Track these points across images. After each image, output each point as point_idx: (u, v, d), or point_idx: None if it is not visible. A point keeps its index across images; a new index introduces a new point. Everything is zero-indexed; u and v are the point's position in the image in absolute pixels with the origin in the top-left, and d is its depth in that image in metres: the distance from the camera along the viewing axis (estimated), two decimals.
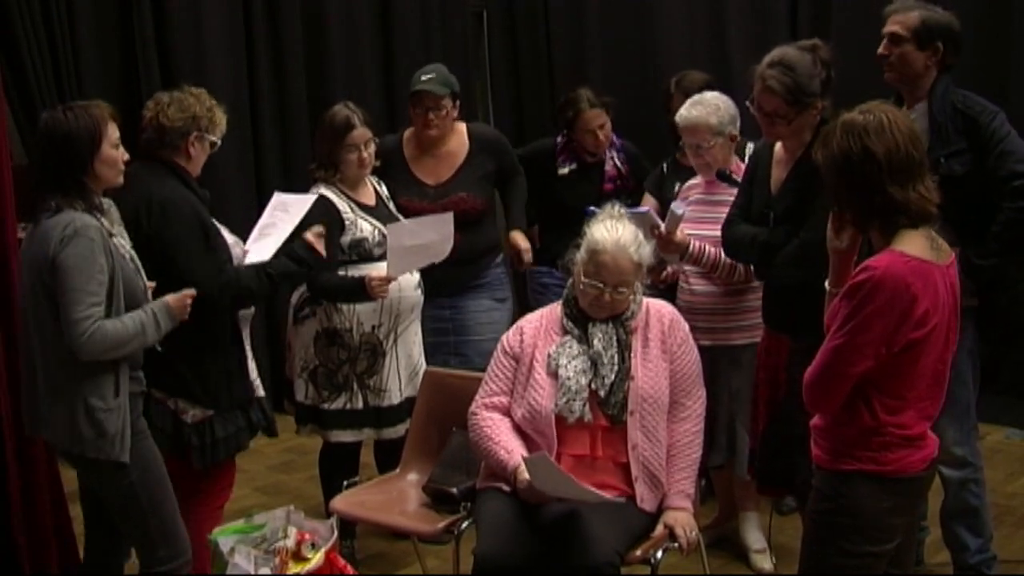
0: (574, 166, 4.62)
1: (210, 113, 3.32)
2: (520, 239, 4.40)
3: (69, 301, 2.79)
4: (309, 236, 3.55)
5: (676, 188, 4.20)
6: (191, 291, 3.05)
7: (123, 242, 2.99)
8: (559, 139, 4.69)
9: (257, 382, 3.47)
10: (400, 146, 4.27)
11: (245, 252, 3.48)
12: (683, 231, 3.68)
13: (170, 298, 2.99)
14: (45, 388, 2.92)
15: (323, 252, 3.57)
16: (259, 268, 3.39)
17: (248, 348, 3.44)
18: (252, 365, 3.45)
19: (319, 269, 3.73)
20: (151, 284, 3.07)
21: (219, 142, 3.37)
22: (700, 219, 3.78)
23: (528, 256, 4.40)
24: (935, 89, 3.32)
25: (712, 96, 3.88)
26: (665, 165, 4.44)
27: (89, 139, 2.88)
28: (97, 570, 3.23)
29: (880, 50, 3.37)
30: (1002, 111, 3.32)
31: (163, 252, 3.16)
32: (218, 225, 3.37)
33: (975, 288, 3.26)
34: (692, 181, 3.98)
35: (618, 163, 4.63)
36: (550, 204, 4.59)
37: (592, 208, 4.14)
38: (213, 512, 3.36)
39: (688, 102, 3.89)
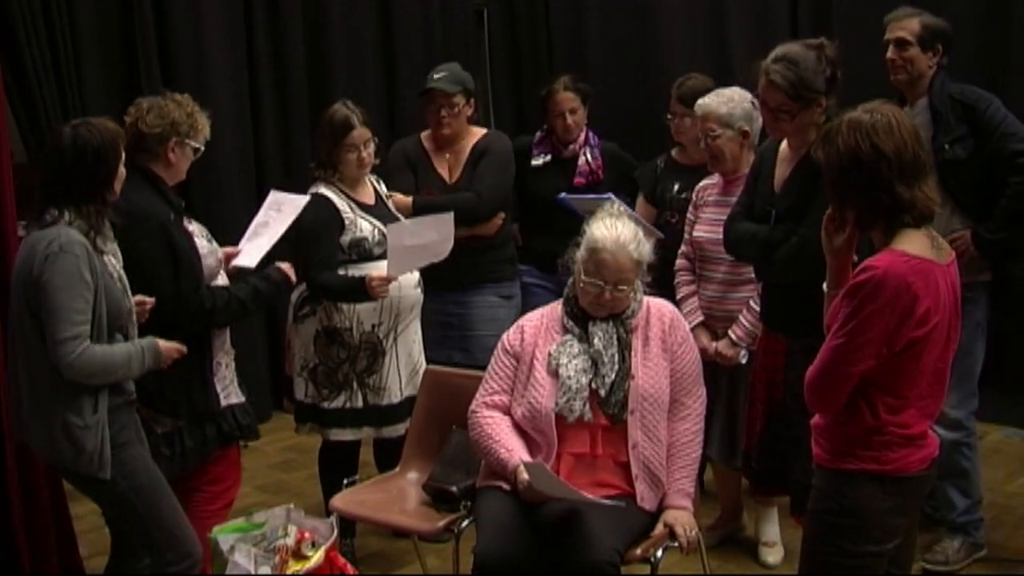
0: (548, 158, 4.63)
1: (191, 119, 3.25)
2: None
3: (56, 320, 2.75)
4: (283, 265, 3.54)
5: (675, 188, 4.19)
6: (182, 346, 3.04)
7: (113, 260, 2.94)
8: (538, 134, 4.71)
9: (232, 388, 3.37)
10: (420, 142, 4.32)
11: (228, 254, 3.45)
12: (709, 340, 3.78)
13: (161, 342, 2.97)
14: (27, 401, 2.90)
15: (293, 278, 3.54)
16: (232, 294, 3.31)
17: (223, 353, 3.36)
18: (228, 371, 3.36)
19: (317, 270, 3.74)
20: (150, 300, 3.06)
21: (202, 148, 3.32)
22: (716, 220, 3.72)
23: None
24: (933, 84, 3.66)
25: (732, 89, 3.88)
26: (660, 162, 4.42)
27: (115, 156, 2.87)
28: (121, 569, 3.21)
29: (888, 55, 3.71)
30: (997, 98, 3.64)
31: (128, 265, 3.06)
32: (195, 231, 3.29)
33: (989, 262, 3.59)
34: (707, 181, 3.94)
35: (590, 159, 4.62)
36: (525, 198, 4.61)
37: (563, 195, 4.17)
38: (219, 511, 3.33)
39: (711, 92, 3.93)
